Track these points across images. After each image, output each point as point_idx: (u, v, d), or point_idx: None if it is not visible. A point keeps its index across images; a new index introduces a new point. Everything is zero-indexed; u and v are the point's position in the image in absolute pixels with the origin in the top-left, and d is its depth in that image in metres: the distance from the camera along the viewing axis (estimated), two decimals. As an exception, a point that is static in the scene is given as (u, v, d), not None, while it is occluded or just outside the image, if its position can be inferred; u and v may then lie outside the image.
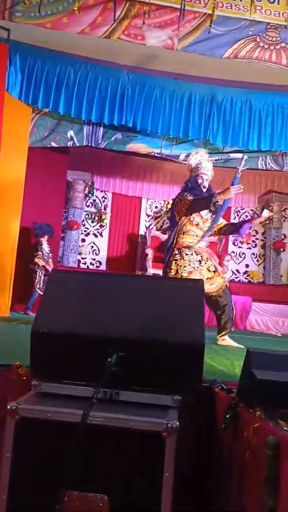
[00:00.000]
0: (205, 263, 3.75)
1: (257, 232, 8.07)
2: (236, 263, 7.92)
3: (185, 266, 3.67)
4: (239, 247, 8.00)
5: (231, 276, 7.65)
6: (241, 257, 8.00)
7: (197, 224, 3.76)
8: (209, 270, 3.74)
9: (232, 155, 6.13)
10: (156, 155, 6.12)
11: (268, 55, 4.05)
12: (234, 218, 7.95)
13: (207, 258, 3.77)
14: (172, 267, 3.70)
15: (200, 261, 3.73)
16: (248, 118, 5.25)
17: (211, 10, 3.81)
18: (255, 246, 8.04)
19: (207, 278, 3.68)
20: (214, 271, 3.75)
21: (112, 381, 1.42)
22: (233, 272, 7.80)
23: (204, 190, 3.78)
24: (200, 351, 1.44)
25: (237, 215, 8.04)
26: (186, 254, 3.70)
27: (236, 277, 7.87)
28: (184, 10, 3.78)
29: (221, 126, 5.22)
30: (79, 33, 3.96)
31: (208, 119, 5.20)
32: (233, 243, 7.95)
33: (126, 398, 1.43)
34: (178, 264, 3.69)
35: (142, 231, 7.67)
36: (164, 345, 1.43)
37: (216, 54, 4.05)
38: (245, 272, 7.96)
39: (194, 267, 3.69)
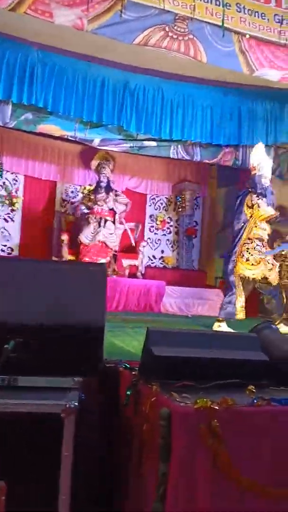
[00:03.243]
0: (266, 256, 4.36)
1: (171, 219, 8.34)
2: (152, 249, 8.13)
3: (253, 255, 4.25)
4: (155, 233, 8.21)
5: (147, 262, 7.84)
6: (156, 243, 8.22)
7: (268, 220, 4.38)
8: (268, 263, 4.34)
9: (146, 143, 6.23)
10: (69, 138, 5.98)
11: (177, 46, 4.15)
12: (150, 206, 8.13)
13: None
14: (244, 254, 4.25)
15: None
16: (160, 107, 5.34)
17: (122, -6, 3.79)
18: (170, 232, 8.32)
19: (269, 270, 4.31)
20: (272, 264, 4.37)
21: (12, 368, 1.39)
22: (149, 257, 8.00)
23: (266, 186, 4.41)
24: (100, 333, 1.47)
25: (153, 202, 8.22)
26: (257, 245, 4.29)
27: (152, 263, 8.08)
28: (94, -9, 3.70)
29: (134, 113, 5.25)
30: (-20, 2, 3.67)
31: (122, 105, 5.20)
32: (149, 230, 8.14)
33: (25, 384, 1.41)
34: (250, 253, 4.26)
35: (57, 216, 7.48)
36: (64, 329, 1.44)
37: (126, 40, 4.04)
38: (161, 258, 8.21)
39: (261, 257, 4.27)
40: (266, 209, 4.33)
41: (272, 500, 1.35)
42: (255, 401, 1.30)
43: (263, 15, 4.41)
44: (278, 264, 4.56)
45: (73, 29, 4.01)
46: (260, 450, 1.34)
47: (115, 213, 6.76)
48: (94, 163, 6.96)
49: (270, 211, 4.36)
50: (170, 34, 4.09)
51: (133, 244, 7.11)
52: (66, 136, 5.91)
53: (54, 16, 3.71)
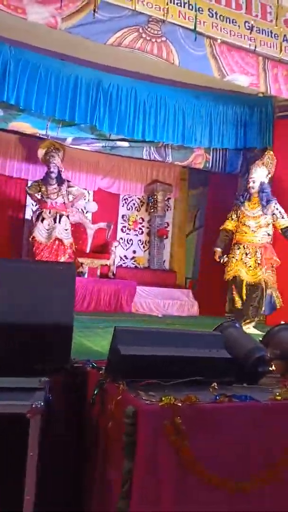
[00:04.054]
0: (253, 256, 4.54)
1: (143, 220, 8.39)
2: (124, 249, 8.14)
3: (233, 257, 4.60)
4: (127, 233, 8.23)
5: (119, 262, 7.84)
6: (128, 243, 8.24)
7: (245, 224, 4.63)
8: (255, 262, 4.52)
9: (119, 143, 6.23)
10: (41, 136, 5.91)
11: (150, 47, 4.17)
12: (123, 206, 8.14)
13: (256, 252, 4.55)
14: (226, 257, 4.67)
15: (247, 254, 4.56)
16: (133, 108, 5.36)
17: (95, -7, 3.78)
18: (142, 233, 8.35)
19: (251, 269, 4.50)
20: (259, 264, 4.50)
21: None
22: (121, 257, 8.00)
23: (253, 190, 4.64)
24: (67, 333, 1.47)
25: (125, 202, 8.24)
26: (234, 248, 4.64)
27: (124, 263, 8.09)
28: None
29: (108, 113, 5.25)
30: None
31: (95, 104, 5.18)
32: (122, 230, 8.14)
33: (-10, 384, 1.40)
34: (230, 256, 4.65)
35: (28, 215, 7.36)
36: (31, 329, 1.44)
37: (100, 40, 4.04)
38: (133, 258, 8.24)
39: (237, 258, 4.57)
40: (226, 222, 4.77)
41: (234, 494, 1.39)
42: (218, 397, 1.34)
43: (234, 21, 4.51)
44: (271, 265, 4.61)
45: (47, 27, 3.97)
46: (223, 446, 1.38)
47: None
48: (41, 152, 6.09)
49: (226, 225, 4.76)
50: (143, 35, 4.11)
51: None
52: (37, 134, 5.83)
53: (27, 13, 3.66)
